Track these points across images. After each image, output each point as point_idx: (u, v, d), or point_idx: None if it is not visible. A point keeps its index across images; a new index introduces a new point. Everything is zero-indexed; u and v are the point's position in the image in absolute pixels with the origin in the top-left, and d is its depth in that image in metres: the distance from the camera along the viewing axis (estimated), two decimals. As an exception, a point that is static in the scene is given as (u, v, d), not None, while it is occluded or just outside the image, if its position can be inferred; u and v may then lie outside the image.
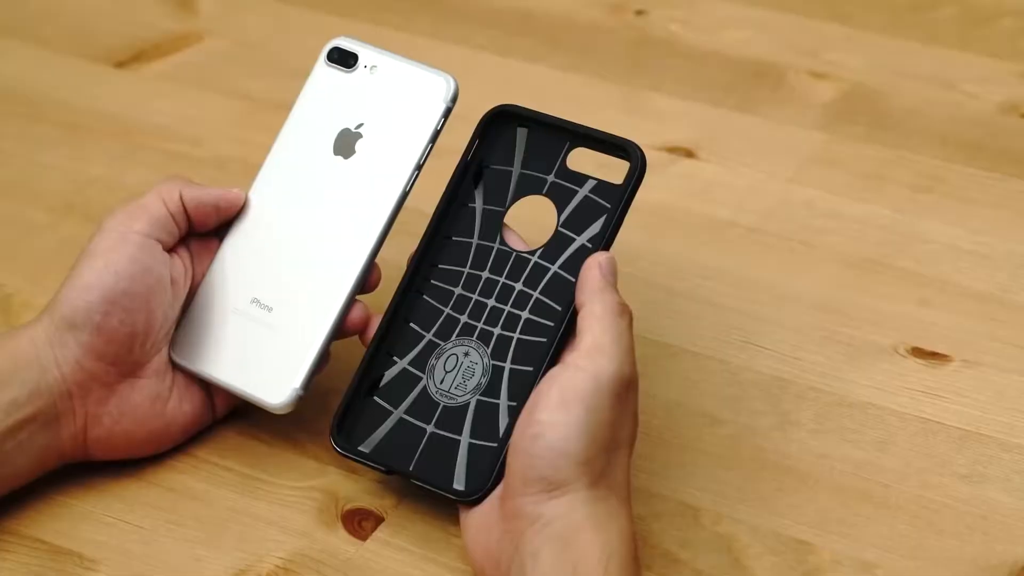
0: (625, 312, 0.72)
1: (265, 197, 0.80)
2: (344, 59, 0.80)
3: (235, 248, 0.80)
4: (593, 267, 0.73)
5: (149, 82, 1.11)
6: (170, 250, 0.78)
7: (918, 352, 0.86)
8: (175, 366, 0.78)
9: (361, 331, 0.78)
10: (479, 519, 0.71)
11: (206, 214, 0.79)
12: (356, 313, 0.77)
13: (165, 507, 0.77)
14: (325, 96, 0.80)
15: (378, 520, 0.76)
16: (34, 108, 1.08)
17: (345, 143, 0.80)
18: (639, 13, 1.17)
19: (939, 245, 0.93)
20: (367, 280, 0.78)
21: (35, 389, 0.74)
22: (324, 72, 0.81)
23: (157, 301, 0.77)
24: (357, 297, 0.78)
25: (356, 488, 0.78)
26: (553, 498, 0.68)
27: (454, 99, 0.78)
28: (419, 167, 0.78)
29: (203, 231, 0.80)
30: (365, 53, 0.80)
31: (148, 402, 0.77)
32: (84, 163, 1.02)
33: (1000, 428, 0.81)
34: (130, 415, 0.77)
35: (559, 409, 0.68)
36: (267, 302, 0.78)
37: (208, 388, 0.79)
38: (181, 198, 0.78)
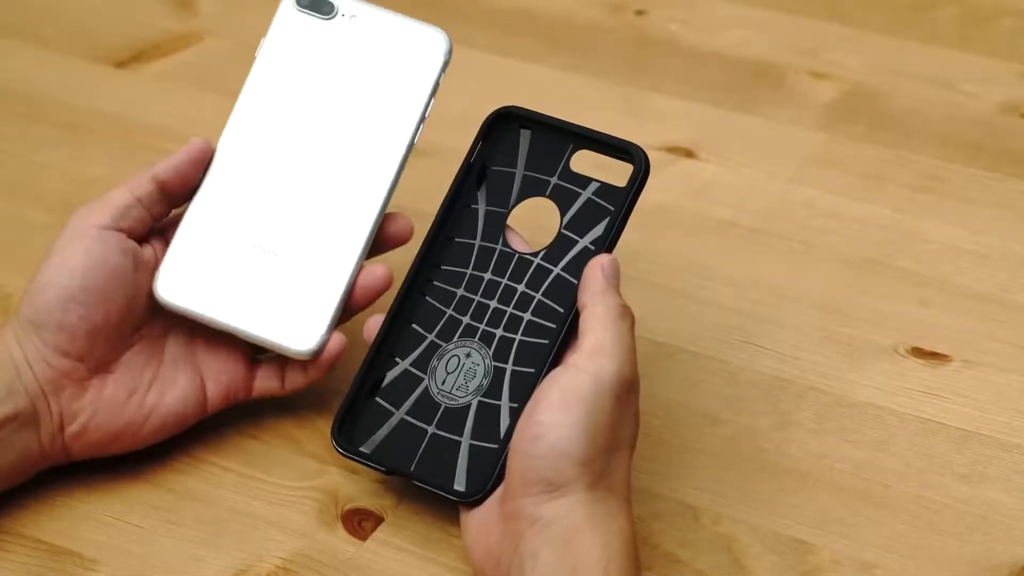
0: (627, 314, 0.72)
1: (241, 147, 0.80)
2: (317, 5, 0.80)
3: (217, 196, 0.79)
4: (596, 268, 0.73)
5: (149, 82, 1.11)
6: (143, 239, 0.78)
7: (918, 352, 0.86)
8: (167, 308, 0.78)
9: (403, 242, 0.79)
10: (479, 520, 0.71)
11: (185, 174, 0.79)
12: (398, 224, 0.79)
13: (165, 507, 0.77)
14: (300, 43, 0.80)
15: (378, 520, 0.76)
16: (34, 108, 1.08)
17: (333, 90, 0.79)
18: (639, 13, 1.17)
19: (939, 245, 0.93)
20: (386, 229, 0.79)
21: (11, 388, 0.74)
22: (295, 17, 0.80)
23: (119, 293, 0.76)
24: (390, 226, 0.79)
25: (356, 488, 0.78)
26: (553, 499, 0.68)
27: (450, 52, 0.79)
28: (423, 119, 0.79)
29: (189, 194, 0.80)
30: (342, 1, 0.80)
31: (124, 395, 0.77)
32: (84, 163, 1.02)
33: (1000, 428, 0.81)
34: (105, 410, 0.76)
35: (560, 410, 0.68)
36: (272, 247, 0.78)
37: (200, 380, 0.79)
38: (153, 178, 0.78)
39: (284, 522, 0.76)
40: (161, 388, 0.78)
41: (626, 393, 0.70)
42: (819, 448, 0.80)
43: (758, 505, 0.77)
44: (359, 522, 0.76)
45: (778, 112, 1.06)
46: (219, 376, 0.79)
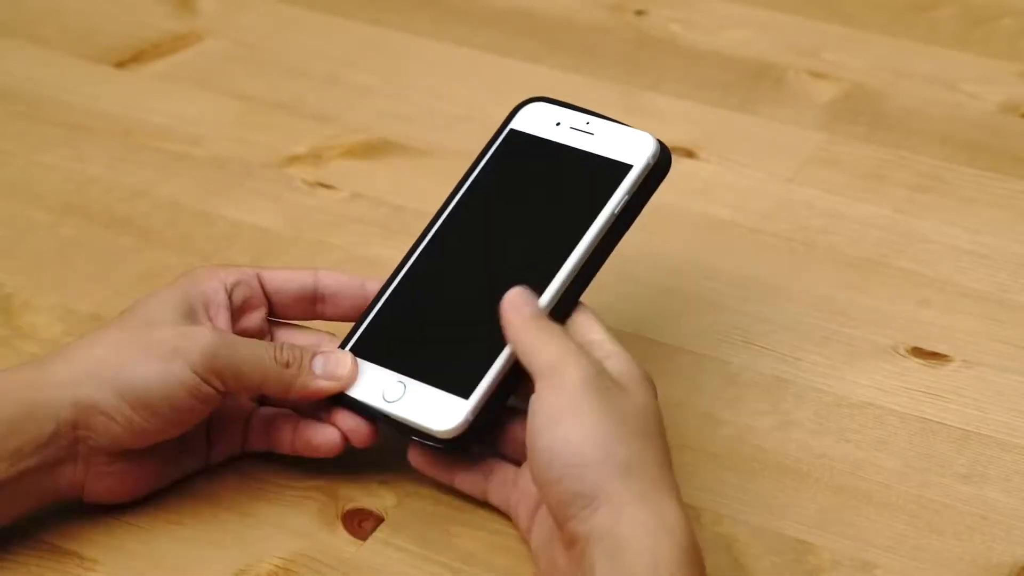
0: (532, 325, 0.71)
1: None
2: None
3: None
4: (506, 311, 0.72)
5: (149, 82, 1.11)
6: None
7: (918, 352, 0.86)
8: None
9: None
10: (546, 554, 0.71)
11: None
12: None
13: (165, 507, 0.77)
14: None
15: (378, 520, 0.76)
16: (34, 108, 1.08)
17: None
18: (639, 13, 1.17)
19: (939, 245, 0.93)
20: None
21: (47, 444, 0.73)
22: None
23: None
24: None
25: (356, 488, 0.78)
26: (596, 510, 0.66)
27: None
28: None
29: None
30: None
31: (156, 467, 0.76)
32: (84, 163, 1.02)
33: (1000, 428, 0.81)
34: (130, 475, 0.75)
35: (550, 430, 0.68)
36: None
37: (208, 437, 0.78)
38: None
39: (284, 522, 0.76)
40: (184, 450, 0.77)
41: (604, 383, 0.69)
42: (819, 448, 0.80)
43: (758, 505, 0.77)
44: (359, 522, 0.76)
45: (778, 112, 1.06)
46: (224, 442, 0.79)
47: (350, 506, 0.77)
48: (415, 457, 0.76)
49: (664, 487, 0.68)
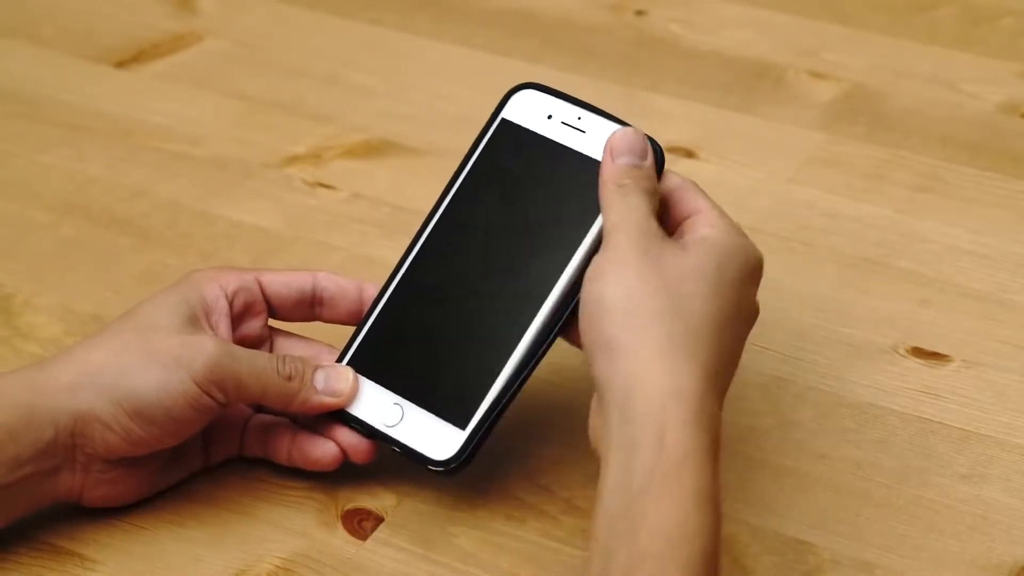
0: (611, 182, 0.72)
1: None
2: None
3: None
4: (604, 152, 0.74)
5: (149, 82, 1.11)
6: None
7: (918, 352, 0.86)
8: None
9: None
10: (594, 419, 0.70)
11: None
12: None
13: (165, 507, 0.77)
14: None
15: (378, 520, 0.76)
16: (34, 108, 1.08)
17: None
18: (639, 13, 1.17)
19: (939, 245, 0.93)
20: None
21: (45, 451, 0.72)
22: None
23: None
24: None
25: (356, 488, 0.78)
26: (613, 360, 0.67)
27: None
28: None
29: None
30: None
31: (153, 473, 0.76)
32: (84, 163, 1.02)
33: (1000, 428, 0.81)
34: (127, 481, 0.75)
35: (592, 283, 0.69)
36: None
37: (204, 443, 0.78)
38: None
39: (284, 522, 0.76)
40: (180, 456, 0.77)
41: (657, 246, 0.70)
42: (819, 448, 0.80)
43: (758, 505, 0.77)
44: (359, 522, 0.76)
45: (778, 112, 1.06)
46: (222, 447, 0.79)
47: (350, 506, 0.77)
48: None
49: (685, 350, 0.67)
